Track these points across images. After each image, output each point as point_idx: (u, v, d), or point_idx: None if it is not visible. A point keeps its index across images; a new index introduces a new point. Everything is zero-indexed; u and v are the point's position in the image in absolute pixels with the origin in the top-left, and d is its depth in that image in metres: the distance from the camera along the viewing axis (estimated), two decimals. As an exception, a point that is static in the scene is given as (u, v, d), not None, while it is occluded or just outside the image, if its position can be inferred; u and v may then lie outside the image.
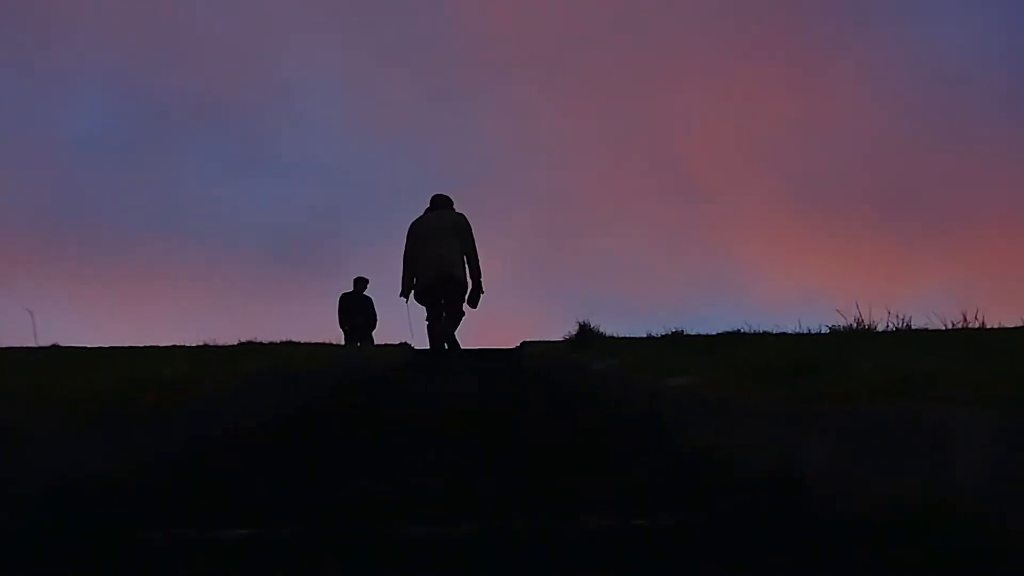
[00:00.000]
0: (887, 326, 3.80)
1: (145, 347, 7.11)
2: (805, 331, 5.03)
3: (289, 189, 26.05)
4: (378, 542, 1.77)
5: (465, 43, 25.58)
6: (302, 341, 7.91)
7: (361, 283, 13.06)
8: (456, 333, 9.10)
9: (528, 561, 1.64)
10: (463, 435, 3.25)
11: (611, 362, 5.03)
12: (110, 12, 24.50)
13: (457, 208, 9.31)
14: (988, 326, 3.42)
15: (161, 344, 7.27)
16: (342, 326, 12.64)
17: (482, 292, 9.08)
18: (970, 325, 3.34)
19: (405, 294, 9.13)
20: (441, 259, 8.79)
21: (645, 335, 6.68)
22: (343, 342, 11.86)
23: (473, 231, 9.06)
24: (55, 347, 7.50)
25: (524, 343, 9.04)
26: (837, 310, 3.86)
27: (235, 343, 6.98)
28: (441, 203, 9.26)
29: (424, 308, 9.16)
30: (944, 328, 3.59)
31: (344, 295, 12.95)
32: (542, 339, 8.61)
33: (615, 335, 7.10)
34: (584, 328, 6.99)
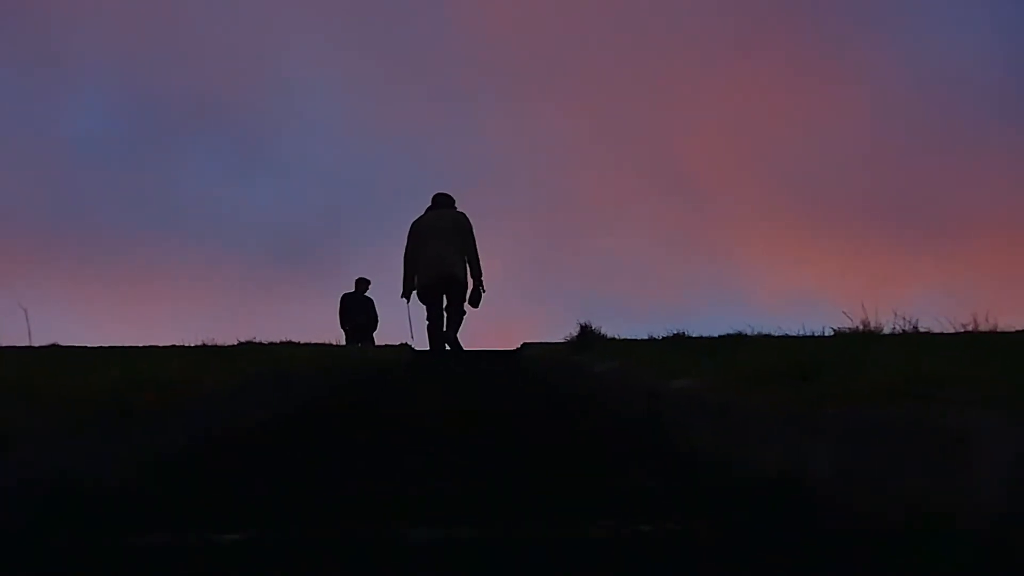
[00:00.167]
0: (894, 328, 3.75)
1: (145, 347, 7.08)
2: (808, 333, 4.98)
3: (290, 189, 26.04)
4: (376, 545, 1.73)
5: (465, 43, 25.57)
6: (302, 342, 7.88)
7: (363, 284, 13.05)
8: (458, 334, 9.07)
9: (529, 567, 1.60)
10: (462, 437, 3.21)
11: (612, 364, 4.99)
12: (110, 12, 24.49)
13: (458, 207, 9.27)
14: (1000, 329, 3.38)
15: (161, 344, 7.25)
16: (343, 327, 12.64)
17: (483, 291, 9.06)
18: (980, 328, 3.30)
19: (406, 294, 9.09)
20: (441, 259, 8.76)
21: (646, 337, 6.65)
22: (344, 343, 11.86)
23: (474, 230, 9.02)
24: (54, 346, 7.47)
25: (525, 344, 9.00)
26: (843, 312, 3.81)
27: (234, 343, 6.94)
28: (442, 202, 9.22)
29: (425, 308, 9.13)
30: (953, 331, 3.54)
31: (345, 295, 12.94)
32: (543, 341, 8.57)
33: (616, 337, 7.07)
34: (585, 329, 6.95)
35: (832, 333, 4.68)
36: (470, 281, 9.02)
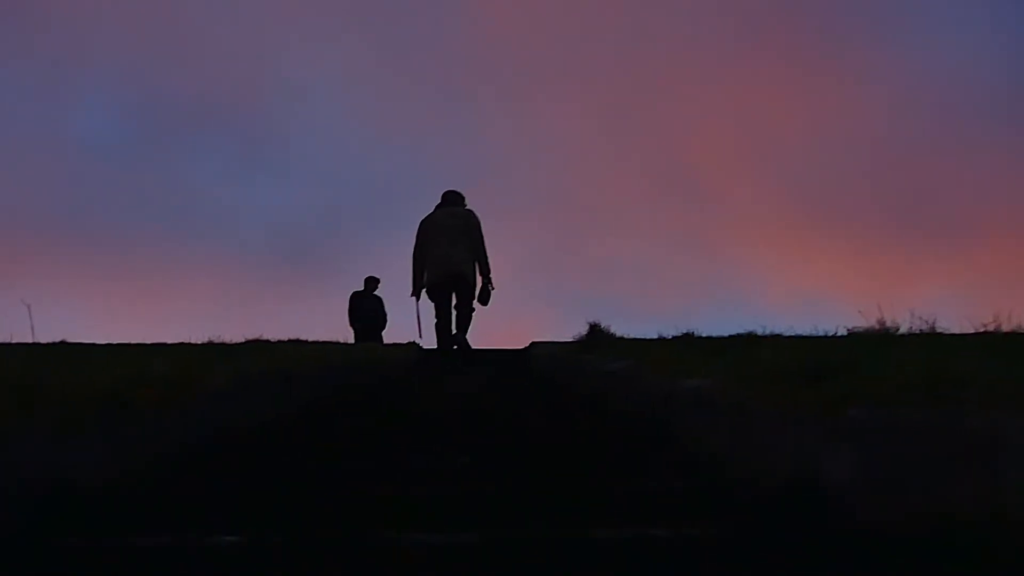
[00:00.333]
0: (910, 328, 3.66)
1: (152, 344, 7.05)
2: (821, 333, 4.90)
3: (296, 188, 26.03)
4: (377, 549, 1.67)
5: (468, 42, 25.51)
6: (310, 339, 7.84)
7: (372, 283, 13.01)
8: (467, 333, 9.01)
9: (538, 573, 1.54)
10: (469, 437, 3.14)
11: (622, 363, 4.92)
12: (115, 13, 24.54)
13: (468, 205, 9.21)
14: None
15: (169, 342, 7.22)
16: (352, 325, 12.60)
17: (492, 289, 8.99)
18: (1003, 328, 3.20)
19: (416, 293, 9.03)
20: (450, 257, 8.69)
21: (656, 336, 6.57)
22: (353, 341, 11.82)
23: (483, 228, 8.96)
24: (62, 343, 7.45)
25: (533, 343, 8.93)
26: (858, 311, 3.72)
27: (241, 341, 6.90)
28: (451, 199, 9.16)
29: (433, 307, 9.07)
30: (974, 331, 3.44)
31: (355, 294, 12.90)
32: (551, 340, 8.49)
33: (625, 336, 6.99)
34: (594, 328, 6.88)
35: (846, 333, 4.60)
36: (479, 279, 8.96)
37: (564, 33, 24.56)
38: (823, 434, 2.11)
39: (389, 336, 12.65)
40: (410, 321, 9.28)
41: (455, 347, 8.91)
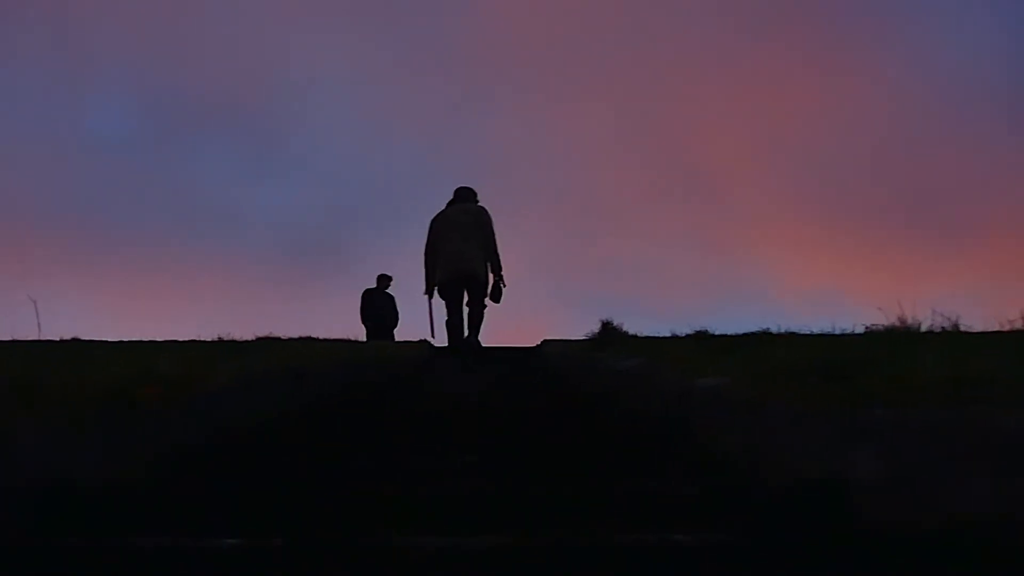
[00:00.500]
0: (931, 326, 3.56)
1: (163, 342, 7.03)
2: (838, 331, 4.80)
3: (308, 186, 26.02)
4: (380, 552, 1.60)
5: (481, 40, 25.43)
6: (321, 337, 7.79)
7: (384, 280, 12.99)
8: (479, 331, 8.95)
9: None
10: (479, 436, 3.07)
11: (635, 361, 4.84)
12: (126, 12, 24.59)
13: (481, 200, 9.15)
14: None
15: (179, 339, 7.19)
16: (364, 322, 12.59)
17: (504, 286, 8.92)
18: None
19: (429, 291, 8.98)
20: (461, 256, 8.63)
21: (669, 334, 6.49)
22: (365, 338, 11.79)
23: (494, 225, 8.90)
24: (75, 340, 7.44)
25: (545, 341, 8.86)
26: (878, 308, 3.62)
27: (252, 339, 6.86)
28: (464, 196, 9.10)
29: (445, 304, 9.02)
30: (999, 328, 3.34)
31: (367, 291, 12.88)
32: (563, 338, 8.42)
33: (638, 334, 6.91)
34: (607, 326, 6.81)
35: (863, 331, 4.50)
36: (491, 276, 8.89)
37: (574, 32, 24.46)
38: (845, 433, 2.03)
39: (401, 334, 12.63)
40: (421, 319, 9.24)
41: (466, 344, 8.86)
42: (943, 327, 3.54)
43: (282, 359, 4.51)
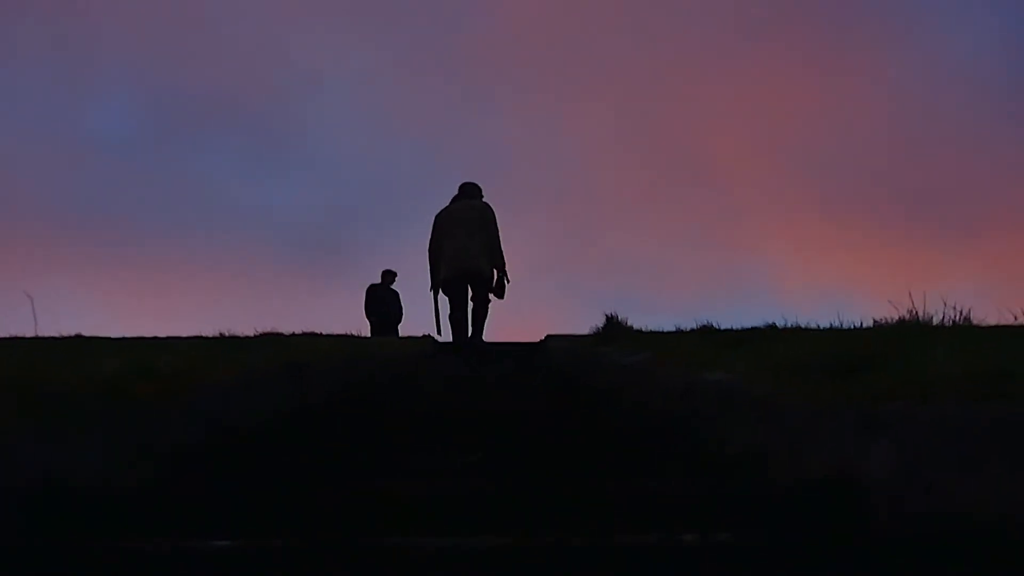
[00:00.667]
0: (943, 319, 3.48)
1: (164, 338, 6.99)
2: (846, 325, 4.72)
3: (313, 182, 26.03)
4: (379, 553, 1.55)
5: (485, 36, 25.37)
6: (324, 333, 7.75)
7: (388, 276, 12.97)
8: (483, 329, 8.91)
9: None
10: (481, 434, 3.01)
11: (640, 356, 4.78)
12: (132, 9, 24.55)
13: (485, 196, 9.10)
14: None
15: (182, 335, 7.15)
16: (368, 318, 12.57)
17: (508, 282, 8.88)
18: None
19: (434, 288, 8.95)
20: (465, 252, 8.59)
21: (674, 328, 6.43)
22: (369, 334, 11.77)
23: (498, 221, 8.84)
24: (78, 337, 7.41)
25: (548, 337, 8.80)
26: (888, 301, 3.54)
27: (253, 334, 6.81)
28: (468, 192, 9.05)
29: (448, 300, 8.98)
30: (1012, 322, 3.26)
31: (371, 287, 12.87)
32: (567, 333, 8.36)
33: (643, 329, 6.85)
34: (611, 320, 6.75)
35: (871, 325, 4.43)
36: (495, 273, 8.85)
37: (579, 28, 24.38)
38: (859, 430, 1.97)
39: (404, 329, 12.60)
40: (425, 315, 9.21)
41: (470, 343, 8.81)
42: (954, 320, 3.47)
43: (283, 355, 4.46)
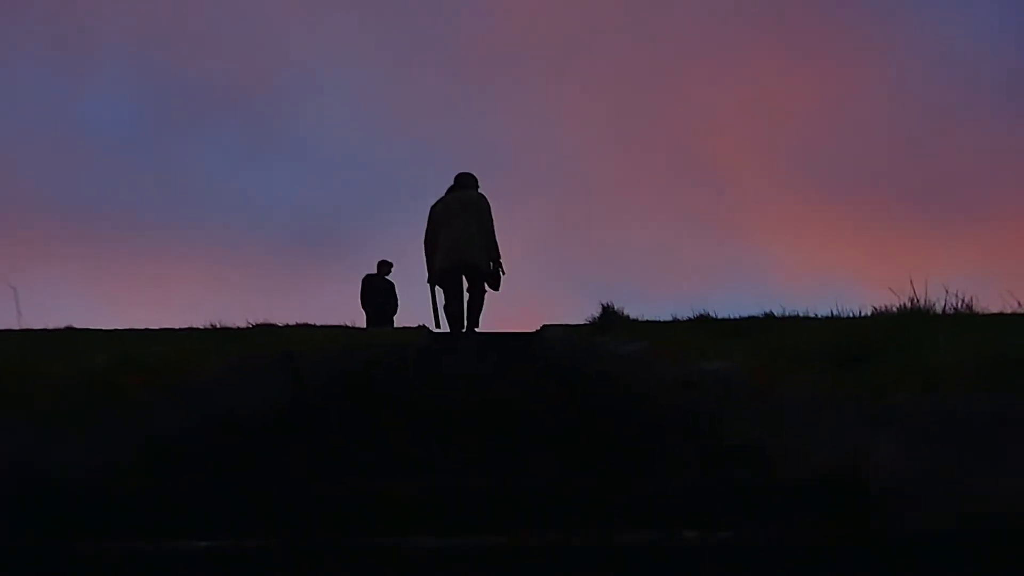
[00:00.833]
0: (945, 307, 3.42)
1: (157, 330, 6.92)
2: (847, 314, 4.66)
3: (310, 173, 25.92)
4: (367, 553, 1.49)
5: (483, 25, 25.24)
6: (319, 324, 7.68)
7: (384, 267, 12.92)
8: (478, 321, 8.88)
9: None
10: (476, 427, 2.96)
11: (637, 345, 4.72)
12: (129, 1, 24.37)
13: (481, 187, 9.05)
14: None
15: (176, 327, 7.08)
16: (364, 308, 12.52)
17: (503, 273, 8.84)
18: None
19: (431, 279, 8.91)
20: (459, 244, 8.56)
21: (670, 318, 6.38)
22: (365, 324, 11.72)
23: (492, 212, 8.79)
24: (69, 329, 7.33)
25: (544, 326, 8.75)
26: (889, 288, 3.48)
27: (247, 325, 6.74)
28: (464, 182, 9.00)
29: (443, 292, 8.95)
30: (1017, 311, 3.20)
31: (367, 277, 12.81)
32: (564, 322, 8.31)
33: (639, 318, 6.80)
34: (607, 310, 6.69)
35: (871, 313, 4.37)
36: (490, 264, 8.81)
37: (577, 17, 24.27)
38: (865, 422, 1.91)
39: (400, 320, 12.54)
40: (420, 305, 9.16)
41: (464, 330, 8.77)
42: (956, 308, 3.41)
43: (276, 346, 4.39)
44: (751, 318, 5.78)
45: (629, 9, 24.66)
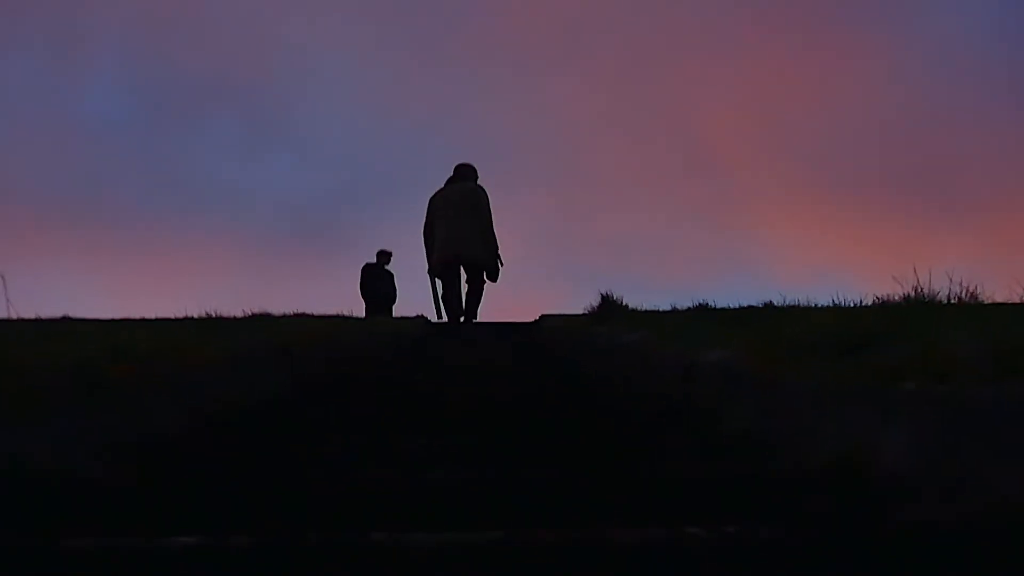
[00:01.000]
0: (949, 296, 3.36)
1: (153, 319, 6.86)
2: (848, 303, 4.60)
3: (309, 163, 25.84)
4: (360, 551, 1.43)
5: (483, 17, 25.11)
6: (315, 314, 7.62)
7: (384, 256, 12.86)
8: (476, 309, 8.84)
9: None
10: (474, 418, 2.90)
11: (637, 335, 4.67)
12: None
13: (481, 178, 8.99)
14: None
15: (171, 317, 7.02)
16: (363, 297, 12.49)
17: (502, 265, 8.79)
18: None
19: (431, 270, 8.88)
20: (456, 236, 8.52)
21: (670, 307, 6.33)
22: (364, 313, 11.68)
23: (490, 204, 8.74)
24: (65, 319, 7.27)
25: (543, 316, 8.70)
26: (892, 277, 3.41)
27: (242, 315, 6.68)
28: (463, 174, 8.95)
29: (442, 283, 8.91)
30: (1022, 300, 3.14)
31: (367, 266, 12.76)
32: (562, 312, 8.25)
33: (638, 308, 6.75)
34: (607, 299, 6.64)
35: (872, 303, 4.31)
36: (488, 255, 8.76)
37: (576, 8, 24.13)
38: (872, 412, 1.85)
39: (398, 310, 12.49)
40: (418, 295, 9.13)
41: (462, 321, 8.73)
42: (961, 297, 3.35)
43: (270, 336, 4.33)
44: (751, 308, 5.73)
45: (629, 0, 24.52)
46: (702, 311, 5.97)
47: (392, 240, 15.49)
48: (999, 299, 3.44)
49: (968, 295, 3.37)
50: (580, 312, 7.13)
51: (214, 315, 6.39)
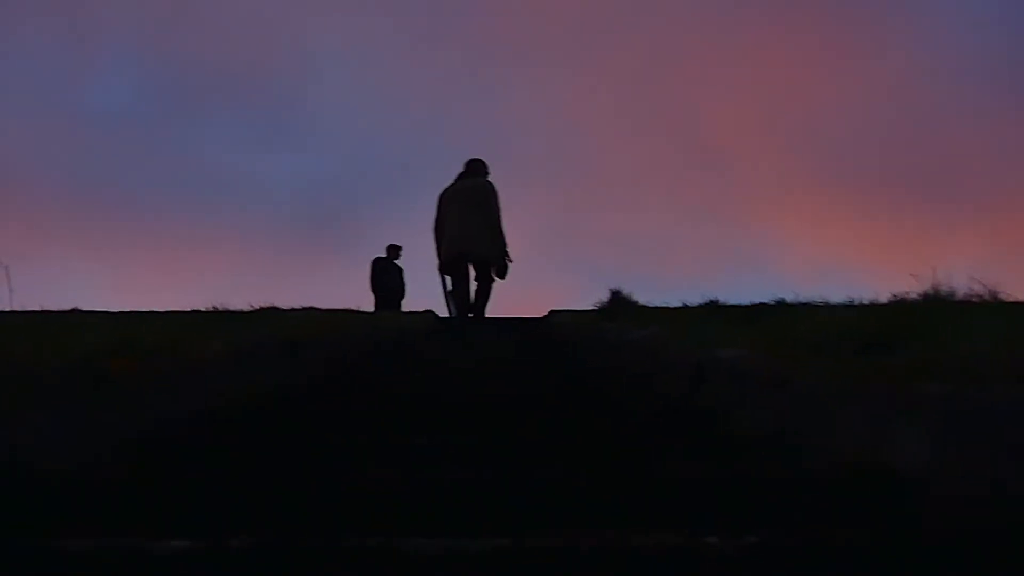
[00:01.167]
0: (967, 295, 3.29)
1: (162, 312, 6.84)
2: (864, 301, 4.54)
3: (318, 156, 25.84)
4: (359, 555, 1.39)
5: (489, 11, 25.02)
6: (324, 308, 7.60)
7: (393, 250, 12.84)
8: (485, 306, 8.80)
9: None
10: (480, 416, 2.85)
11: (647, 331, 4.61)
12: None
13: (491, 174, 8.94)
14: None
15: (179, 310, 7.01)
16: (374, 291, 12.46)
17: (510, 262, 8.75)
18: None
19: (441, 267, 8.84)
20: (463, 233, 8.47)
21: (680, 304, 6.27)
22: (374, 307, 11.65)
23: (499, 200, 8.69)
24: (75, 311, 7.27)
25: (553, 312, 8.65)
26: (910, 274, 3.35)
27: (250, 308, 6.65)
28: (473, 169, 8.89)
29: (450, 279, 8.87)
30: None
31: (377, 260, 12.73)
32: (571, 308, 8.21)
33: (648, 304, 6.70)
34: (616, 295, 6.59)
35: (887, 301, 4.25)
36: (496, 252, 8.72)
37: (586, 5, 24.02)
38: (892, 413, 1.80)
39: (407, 305, 12.47)
40: (427, 290, 9.08)
41: (470, 315, 8.69)
42: (981, 296, 3.28)
43: (276, 331, 4.30)
44: (763, 305, 5.67)
45: (637, -1, 24.40)
46: (712, 308, 5.91)
47: (402, 234, 15.48)
48: (1022, 298, 3.37)
49: (988, 294, 3.30)
50: (590, 308, 7.08)
51: (222, 309, 6.37)
